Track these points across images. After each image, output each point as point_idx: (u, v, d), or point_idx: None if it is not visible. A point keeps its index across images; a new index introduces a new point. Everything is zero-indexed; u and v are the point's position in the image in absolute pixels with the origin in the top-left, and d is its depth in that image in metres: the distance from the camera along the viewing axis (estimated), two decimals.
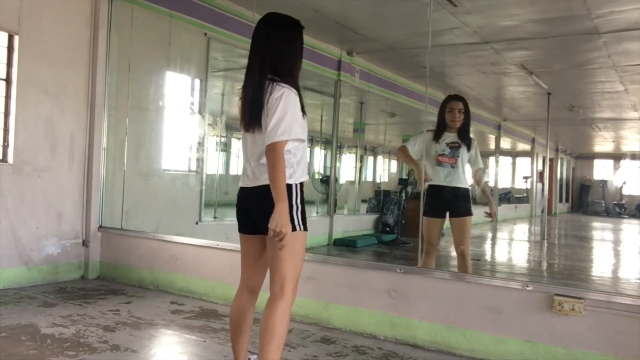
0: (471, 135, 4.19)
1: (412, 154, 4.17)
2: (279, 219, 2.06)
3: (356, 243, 8.13)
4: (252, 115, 2.21)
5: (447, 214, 4.12)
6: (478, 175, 4.20)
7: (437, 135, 4.09)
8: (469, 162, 4.11)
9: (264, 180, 2.18)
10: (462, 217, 4.06)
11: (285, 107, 2.13)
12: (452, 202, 4.06)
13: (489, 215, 4.22)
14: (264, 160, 2.16)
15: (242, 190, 2.34)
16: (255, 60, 2.27)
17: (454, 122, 4.05)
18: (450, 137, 4.08)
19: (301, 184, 2.25)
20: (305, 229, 2.24)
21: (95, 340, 3.17)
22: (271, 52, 2.25)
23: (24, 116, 4.40)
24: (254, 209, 2.27)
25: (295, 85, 2.22)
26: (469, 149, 4.06)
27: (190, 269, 4.34)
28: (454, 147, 4.04)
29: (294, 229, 2.15)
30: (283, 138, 2.11)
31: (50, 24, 4.54)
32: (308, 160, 2.28)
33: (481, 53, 7.67)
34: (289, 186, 2.16)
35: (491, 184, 16.29)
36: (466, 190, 4.06)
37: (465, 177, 4.08)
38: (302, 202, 2.23)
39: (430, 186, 4.13)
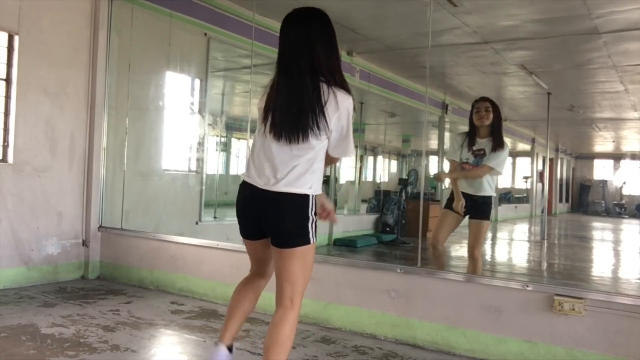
0: (505, 141, 4.06)
1: (455, 158, 4.18)
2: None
3: (356, 243, 8.13)
4: (298, 124, 2.02)
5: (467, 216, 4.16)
6: (483, 168, 4.00)
7: (470, 141, 4.05)
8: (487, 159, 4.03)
9: (284, 186, 2.06)
10: (478, 219, 4.08)
11: (350, 118, 2.10)
12: (474, 207, 4.09)
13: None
14: (297, 169, 2.06)
15: (255, 191, 2.12)
16: (300, 63, 2.05)
17: (481, 120, 3.99)
18: (480, 144, 4.04)
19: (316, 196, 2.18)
20: (316, 239, 2.21)
21: (95, 340, 3.17)
22: (318, 53, 2.07)
23: (24, 116, 4.40)
24: (267, 214, 2.10)
25: (348, 86, 2.12)
26: (494, 151, 3.99)
27: (190, 269, 4.34)
28: (478, 155, 4.03)
29: (308, 241, 2.13)
30: (349, 155, 2.17)
31: (50, 24, 4.54)
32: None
33: (481, 53, 7.67)
34: (307, 197, 2.10)
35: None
36: (488, 197, 4.07)
37: (490, 184, 4.08)
38: (317, 213, 2.20)
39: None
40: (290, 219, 2.08)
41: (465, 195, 4.11)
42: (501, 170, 4.06)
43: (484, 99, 4.09)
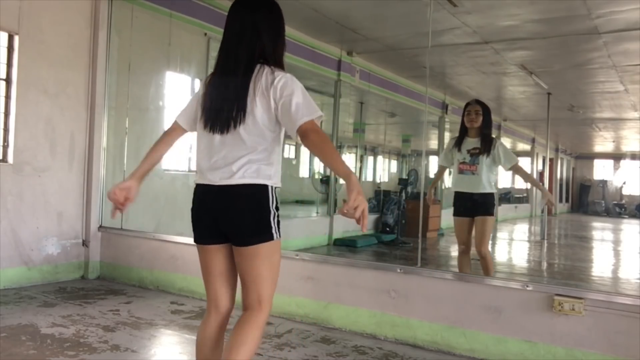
0: (493, 136, 4.22)
1: (444, 163, 4.40)
2: (357, 193, 1.71)
3: (356, 243, 8.13)
4: (236, 108, 1.87)
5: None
6: (518, 171, 4.19)
7: (459, 141, 4.20)
8: (495, 164, 4.13)
9: (239, 178, 1.87)
10: (482, 216, 4.13)
11: (300, 88, 1.87)
12: (475, 205, 4.15)
13: (548, 207, 4.28)
14: (252, 160, 1.89)
15: (207, 189, 1.93)
16: (240, 52, 1.92)
17: (472, 123, 4.14)
18: (471, 143, 4.16)
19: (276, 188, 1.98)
20: (280, 236, 1.96)
21: (95, 340, 3.17)
22: (262, 42, 1.94)
23: (24, 116, 4.40)
24: (225, 212, 1.91)
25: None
26: (489, 152, 4.10)
27: (190, 269, 4.34)
28: (474, 154, 4.13)
29: (271, 237, 1.90)
30: (318, 114, 1.83)
31: (50, 24, 4.54)
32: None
33: (481, 53, 7.67)
34: (266, 188, 1.90)
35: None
36: (489, 194, 4.14)
37: (490, 182, 4.15)
38: (278, 208, 1.96)
39: (455, 192, 4.29)
40: (249, 213, 1.89)
41: (464, 194, 4.18)
42: (516, 158, 4.19)
43: (473, 102, 4.23)
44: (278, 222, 1.95)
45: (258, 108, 1.88)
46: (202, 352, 2.01)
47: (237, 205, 1.89)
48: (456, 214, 4.29)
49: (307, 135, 1.80)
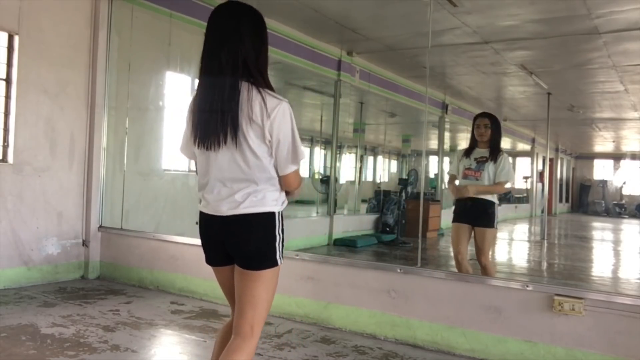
0: (502, 149, 4.23)
1: (454, 172, 4.33)
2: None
3: (356, 243, 8.13)
4: (229, 126, 1.81)
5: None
6: (499, 186, 4.17)
7: (468, 152, 4.22)
8: (495, 175, 4.13)
9: (245, 207, 1.87)
10: (482, 227, 4.09)
11: (293, 124, 1.87)
12: (476, 213, 4.11)
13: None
14: (249, 189, 1.87)
15: (212, 219, 1.94)
16: (222, 59, 1.87)
17: (482, 137, 4.18)
18: (479, 152, 4.19)
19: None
20: (282, 259, 1.97)
21: (95, 340, 3.17)
22: (246, 50, 1.86)
23: (24, 116, 4.40)
24: (232, 237, 1.92)
25: (274, 91, 1.91)
26: (495, 159, 4.12)
27: (190, 269, 4.34)
28: (481, 162, 4.15)
29: (275, 263, 1.91)
30: (301, 159, 1.90)
31: (50, 24, 4.54)
32: None
33: (481, 53, 7.67)
34: (273, 214, 1.90)
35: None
36: (490, 202, 4.10)
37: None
38: (284, 230, 1.97)
39: (457, 199, 4.27)
40: (255, 241, 1.89)
41: (465, 199, 4.14)
42: (513, 178, 4.22)
43: (483, 115, 4.27)
44: (282, 246, 1.95)
45: (251, 135, 1.83)
46: (218, 349, 2.04)
47: (243, 234, 1.89)
48: (455, 220, 4.24)
49: (289, 184, 1.93)
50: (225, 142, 1.84)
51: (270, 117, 1.82)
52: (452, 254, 4.35)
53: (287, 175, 1.89)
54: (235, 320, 1.95)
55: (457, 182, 4.24)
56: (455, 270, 4.21)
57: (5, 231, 4.30)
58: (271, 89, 1.89)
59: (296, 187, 1.97)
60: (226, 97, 1.83)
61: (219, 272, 2.06)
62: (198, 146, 1.91)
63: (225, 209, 1.89)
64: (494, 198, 4.14)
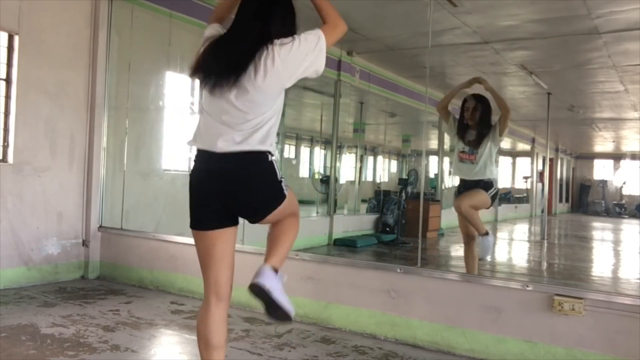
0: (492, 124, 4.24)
1: (445, 130, 4.42)
2: None
3: (356, 243, 8.13)
4: (239, 64, 1.88)
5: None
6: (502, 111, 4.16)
7: (462, 133, 4.24)
8: (495, 145, 4.18)
9: (255, 144, 1.90)
10: (477, 188, 4.18)
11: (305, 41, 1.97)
12: (472, 187, 4.23)
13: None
14: (255, 126, 1.91)
15: (212, 159, 1.92)
16: (255, 25, 1.94)
17: (470, 120, 4.21)
18: (472, 134, 4.22)
19: None
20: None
21: (95, 340, 3.17)
22: (277, 23, 1.96)
23: (24, 116, 4.40)
24: (237, 190, 1.92)
25: None
26: (488, 139, 4.15)
27: (190, 269, 4.33)
28: (472, 145, 4.21)
29: (284, 196, 2.01)
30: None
31: (50, 24, 4.54)
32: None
33: (481, 53, 7.67)
34: (272, 163, 1.96)
35: (497, 177, 16.25)
36: (488, 181, 4.19)
37: (490, 169, 4.20)
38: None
39: (459, 179, 4.37)
40: (263, 192, 1.96)
41: (463, 181, 4.27)
42: (502, 137, 4.19)
43: (471, 97, 4.27)
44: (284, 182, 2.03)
45: (266, 82, 1.89)
46: (209, 342, 2.01)
47: (250, 183, 1.93)
48: (456, 195, 4.36)
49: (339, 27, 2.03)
50: (242, 83, 1.89)
51: (288, 44, 1.91)
52: (452, 253, 4.38)
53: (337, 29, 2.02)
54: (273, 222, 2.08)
55: (452, 163, 4.32)
56: (456, 268, 4.22)
57: (5, 231, 4.30)
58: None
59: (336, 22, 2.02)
60: (244, 52, 1.90)
61: (206, 238, 2.00)
62: (209, 90, 1.96)
63: (230, 144, 1.90)
64: (491, 175, 4.20)
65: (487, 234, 4.14)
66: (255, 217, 2.02)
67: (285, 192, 2.01)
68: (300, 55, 1.93)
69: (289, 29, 2.00)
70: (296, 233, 2.11)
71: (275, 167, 1.98)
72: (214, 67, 1.94)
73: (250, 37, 1.92)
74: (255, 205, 1.98)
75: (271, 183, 1.96)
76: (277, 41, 1.92)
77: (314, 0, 1.99)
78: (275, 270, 2.00)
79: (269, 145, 1.94)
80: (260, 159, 1.93)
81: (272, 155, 1.97)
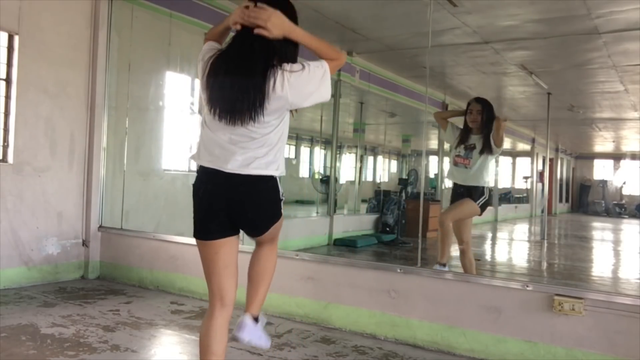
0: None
1: (443, 137, 4.47)
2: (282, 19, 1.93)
3: (356, 243, 8.13)
4: (250, 103, 1.90)
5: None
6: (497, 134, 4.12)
7: (463, 139, 4.25)
8: (493, 155, 4.17)
9: (256, 168, 1.96)
10: (466, 198, 4.19)
11: (311, 74, 1.98)
12: (465, 194, 4.23)
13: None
14: (259, 152, 1.96)
15: (219, 176, 1.96)
16: (256, 43, 1.93)
17: (473, 123, 4.21)
18: (473, 139, 4.22)
19: None
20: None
21: (95, 340, 3.17)
22: (278, 42, 1.95)
23: (24, 116, 4.40)
24: (241, 205, 1.99)
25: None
26: (483, 151, 4.15)
27: (190, 269, 4.33)
28: (469, 148, 4.21)
29: (279, 216, 2.13)
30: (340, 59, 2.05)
31: (50, 24, 4.54)
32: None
33: (481, 53, 7.67)
34: (276, 179, 2.05)
35: (491, 184, 16.31)
36: (480, 187, 4.19)
37: (483, 176, 4.20)
38: (282, 194, 2.12)
39: (453, 183, 4.38)
40: (266, 208, 2.07)
41: (457, 185, 4.29)
42: (499, 147, 4.14)
43: (476, 100, 4.28)
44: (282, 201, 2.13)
45: (272, 105, 1.93)
46: (209, 347, 2.07)
47: (255, 200, 2.02)
48: (451, 201, 4.38)
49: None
50: (245, 123, 1.94)
51: (297, 71, 1.93)
52: (452, 253, 4.38)
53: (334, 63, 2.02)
54: (256, 247, 2.26)
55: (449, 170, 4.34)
56: (456, 268, 4.22)
57: (5, 231, 4.30)
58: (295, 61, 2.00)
59: (335, 57, 2.03)
60: (255, 84, 1.91)
61: (211, 247, 2.07)
62: (216, 118, 1.98)
63: (234, 166, 1.96)
64: (484, 182, 4.19)
65: (444, 265, 4.09)
66: (255, 232, 2.15)
67: (282, 211, 2.13)
68: (308, 84, 1.97)
69: (293, 48, 2.02)
70: (275, 267, 2.29)
71: (279, 185, 2.08)
72: (226, 105, 1.96)
73: (257, 64, 1.93)
74: (258, 222, 2.10)
75: (274, 201, 2.07)
76: (287, 66, 1.94)
77: (309, 46, 2.01)
78: (256, 318, 2.20)
79: (275, 169, 2.02)
80: (266, 178, 2.01)
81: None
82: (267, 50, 1.94)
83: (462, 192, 4.26)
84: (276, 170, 2.02)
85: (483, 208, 4.22)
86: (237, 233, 2.13)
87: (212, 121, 2.01)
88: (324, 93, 2.01)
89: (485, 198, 4.20)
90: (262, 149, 1.98)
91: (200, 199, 2.04)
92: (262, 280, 2.24)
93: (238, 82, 1.94)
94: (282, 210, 2.14)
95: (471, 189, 4.20)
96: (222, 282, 2.08)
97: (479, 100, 4.28)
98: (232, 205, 2.00)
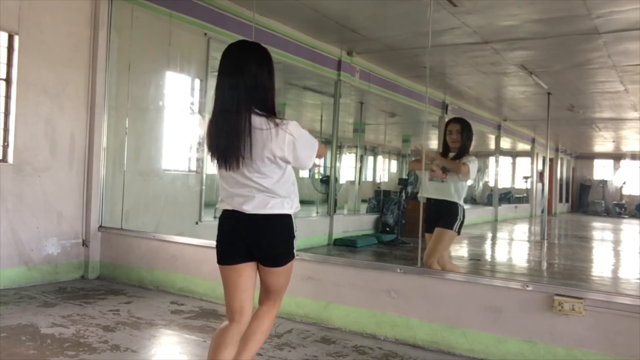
0: (472, 157, 4.11)
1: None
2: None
3: (356, 243, 8.13)
4: (245, 155, 2.07)
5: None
6: (462, 165, 4.00)
7: (443, 155, 4.17)
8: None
9: (271, 208, 2.15)
10: (440, 227, 3.99)
11: (307, 136, 2.18)
12: (439, 214, 4.04)
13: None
14: (270, 189, 2.14)
15: (238, 215, 2.16)
16: (240, 89, 2.09)
17: (454, 143, 4.13)
18: (450, 157, 4.13)
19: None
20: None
21: (95, 340, 3.17)
22: (256, 81, 2.12)
23: (24, 116, 4.40)
24: (258, 239, 2.17)
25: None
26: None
27: (190, 269, 4.34)
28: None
29: (293, 255, 2.27)
30: (316, 150, 2.23)
31: (50, 24, 4.54)
32: None
33: (481, 53, 7.67)
34: (289, 217, 2.20)
35: (491, 184, 16.33)
36: (454, 204, 4.01)
37: (458, 192, 4.04)
38: (296, 230, 2.28)
39: (426, 199, 4.19)
40: (280, 241, 2.21)
41: (431, 201, 4.11)
42: (473, 176, 4.06)
43: (454, 121, 4.23)
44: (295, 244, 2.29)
45: (265, 162, 2.10)
46: (219, 355, 2.18)
47: (270, 235, 2.18)
48: (426, 231, 4.16)
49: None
50: (242, 166, 2.10)
51: (286, 141, 2.09)
52: (452, 253, 4.34)
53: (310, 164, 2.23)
54: (261, 296, 2.35)
55: (424, 182, 4.21)
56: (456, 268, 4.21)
57: (5, 231, 4.30)
58: (275, 115, 2.15)
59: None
60: (242, 129, 2.07)
61: (234, 271, 2.24)
62: (219, 167, 2.16)
63: (251, 207, 2.14)
64: (459, 199, 4.03)
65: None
66: (268, 263, 2.25)
67: (295, 254, 2.28)
68: (293, 143, 2.12)
69: (269, 85, 2.16)
70: (269, 330, 2.37)
71: (293, 222, 2.23)
72: (219, 151, 2.14)
73: (239, 119, 2.09)
74: (270, 254, 2.22)
75: (287, 237, 2.22)
76: (277, 120, 2.11)
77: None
78: None
79: (288, 208, 2.19)
80: (281, 216, 2.19)
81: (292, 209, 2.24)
82: (248, 108, 2.16)
83: (437, 214, 4.04)
84: (290, 208, 2.21)
85: (459, 230, 4.04)
86: (255, 260, 2.26)
87: (222, 172, 2.21)
88: (304, 159, 2.21)
89: (460, 220, 4.01)
90: (276, 197, 2.17)
91: (224, 230, 2.24)
92: (251, 342, 2.26)
93: (226, 136, 2.16)
94: (295, 254, 2.29)
95: (447, 207, 4.01)
96: (244, 301, 2.25)
97: (457, 120, 4.25)
98: (250, 237, 2.18)
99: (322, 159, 2.36)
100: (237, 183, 2.16)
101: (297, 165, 2.19)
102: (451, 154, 4.14)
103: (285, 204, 2.17)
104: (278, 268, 2.25)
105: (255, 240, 2.17)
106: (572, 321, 2.97)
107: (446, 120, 4.34)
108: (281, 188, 2.16)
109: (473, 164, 4.03)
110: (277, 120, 2.11)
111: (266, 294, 2.34)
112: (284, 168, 2.16)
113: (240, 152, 2.07)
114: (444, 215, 4.01)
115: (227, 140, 2.09)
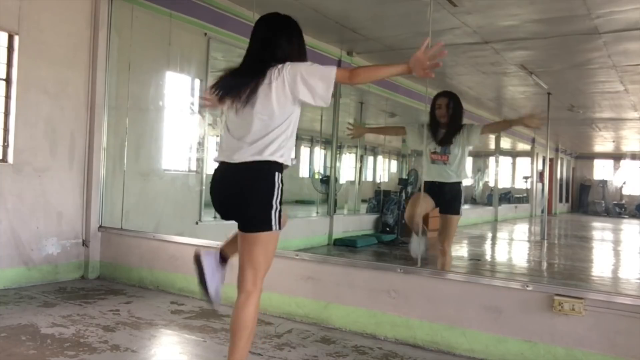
0: (464, 123, 4.11)
1: (409, 144, 4.43)
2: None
3: (356, 243, 8.13)
4: (249, 85, 2.18)
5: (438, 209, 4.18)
6: (490, 130, 4.12)
7: (434, 135, 4.12)
8: (466, 147, 4.07)
9: (267, 155, 2.15)
10: (448, 214, 4.09)
11: (305, 66, 2.23)
12: (443, 198, 4.09)
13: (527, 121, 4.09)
14: (260, 142, 2.15)
15: (230, 167, 2.21)
16: (265, 56, 2.27)
17: (443, 118, 4.08)
18: (442, 133, 4.09)
19: (282, 178, 2.24)
20: (280, 228, 2.24)
21: (95, 340, 3.17)
22: (285, 52, 2.28)
23: (24, 116, 4.40)
24: (233, 198, 2.21)
25: None
26: (459, 140, 4.04)
27: (191, 269, 4.28)
28: (444, 144, 4.09)
29: (270, 228, 2.19)
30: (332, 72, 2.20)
31: (50, 24, 4.54)
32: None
33: (481, 53, 7.67)
34: (274, 184, 2.18)
35: (491, 184, 16.33)
36: (458, 185, 4.07)
37: (460, 172, 4.09)
38: (281, 202, 2.23)
39: (425, 182, 4.19)
40: (256, 204, 2.17)
41: (434, 184, 4.11)
42: (478, 129, 4.07)
43: (443, 94, 4.15)
44: (279, 216, 2.21)
45: (273, 94, 2.15)
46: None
47: (244, 191, 2.19)
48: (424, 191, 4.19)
49: (356, 80, 2.31)
50: (245, 104, 2.17)
51: (290, 74, 2.15)
52: (452, 254, 4.35)
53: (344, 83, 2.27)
54: (239, 281, 2.28)
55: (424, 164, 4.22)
56: (456, 269, 4.21)
57: (5, 231, 4.30)
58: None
59: (368, 75, 2.49)
60: (254, 72, 2.21)
61: (239, 236, 2.31)
62: (230, 105, 2.24)
63: (243, 155, 2.17)
64: (461, 178, 4.07)
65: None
66: (243, 227, 2.24)
67: (273, 226, 2.19)
68: (302, 76, 2.17)
69: (298, 50, 2.31)
70: (254, 322, 2.27)
71: (275, 190, 2.18)
72: (230, 85, 2.25)
73: (259, 62, 2.23)
74: (243, 217, 2.22)
75: (263, 203, 2.17)
76: (288, 62, 2.20)
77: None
78: None
79: (279, 156, 2.17)
80: (266, 175, 2.15)
81: (280, 173, 2.18)
82: (270, 55, 2.36)
83: (441, 195, 4.07)
84: (281, 157, 2.19)
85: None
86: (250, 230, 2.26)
87: (230, 119, 2.32)
88: (318, 90, 2.22)
89: (461, 202, 4.09)
90: (271, 144, 2.20)
91: (210, 187, 2.37)
92: (238, 340, 2.20)
93: (242, 75, 2.35)
94: (274, 226, 2.20)
95: (451, 190, 4.04)
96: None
97: (445, 93, 4.14)
98: (227, 194, 2.26)
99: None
100: (235, 128, 2.30)
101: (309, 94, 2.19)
102: (442, 130, 4.08)
103: (277, 153, 2.19)
104: (250, 235, 2.21)
105: (230, 200, 2.27)
106: (572, 321, 2.97)
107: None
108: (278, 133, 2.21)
109: (470, 131, 4.06)
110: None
111: (242, 274, 2.26)
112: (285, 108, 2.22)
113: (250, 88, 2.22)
114: (450, 200, 4.05)
115: (241, 80, 2.25)
